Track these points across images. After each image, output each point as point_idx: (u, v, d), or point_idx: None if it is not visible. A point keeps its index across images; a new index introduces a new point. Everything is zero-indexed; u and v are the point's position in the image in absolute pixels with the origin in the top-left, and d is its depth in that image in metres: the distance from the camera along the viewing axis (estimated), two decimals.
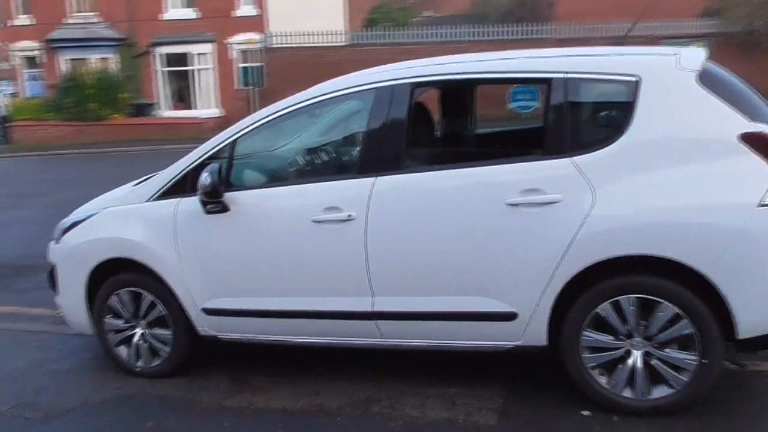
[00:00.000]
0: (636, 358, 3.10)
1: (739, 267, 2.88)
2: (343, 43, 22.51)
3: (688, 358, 3.02)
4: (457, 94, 4.34)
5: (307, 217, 3.43)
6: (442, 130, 4.40)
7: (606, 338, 3.13)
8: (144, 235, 3.79)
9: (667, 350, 3.06)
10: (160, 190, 3.83)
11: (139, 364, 4.04)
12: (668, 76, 3.06)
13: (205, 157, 3.74)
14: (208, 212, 3.59)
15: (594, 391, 3.19)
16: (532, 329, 3.20)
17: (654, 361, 3.08)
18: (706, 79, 3.04)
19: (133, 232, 3.82)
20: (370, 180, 3.35)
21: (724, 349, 3.02)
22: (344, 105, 3.73)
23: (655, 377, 3.10)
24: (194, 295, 3.74)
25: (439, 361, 3.83)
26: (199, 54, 22.35)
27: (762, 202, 2.84)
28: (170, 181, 3.81)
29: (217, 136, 3.82)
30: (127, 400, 3.76)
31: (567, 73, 3.14)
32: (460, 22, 26.46)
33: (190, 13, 22.18)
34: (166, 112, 22.52)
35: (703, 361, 2.99)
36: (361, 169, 3.42)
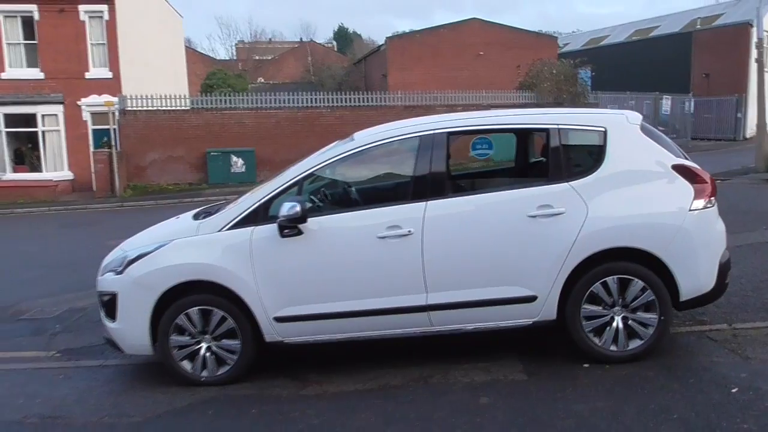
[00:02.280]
0: (617, 321, 4.46)
1: (680, 251, 4.37)
2: (193, 107, 22.95)
3: (652, 317, 4.43)
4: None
5: (373, 234, 4.41)
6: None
7: (598, 309, 4.45)
8: (221, 260, 4.49)
9: (638, 313, 4.45)
10: (233, 221, 4.57)
11: (204, 374, 4.63)
12: (623, 128, 4.57)
13: (273, 194, 4.57)
14: (284, 236, 4.42)
15: (591, 349, 4.47)
16: (547, 307, 4.44)
17: (630, 322, 4.45)
18: (644, 130, 4.60)
19: (210, 257, 4.50)
20: (423, 204, 4.44)
21: (672, 309, 4.49)
22: (395, 148, 4.79)
23: (630, 334, 4.46)
24: (267, 306, 4.49)
25: (458, 345, 4.91)
26: (45, 115, 21.43)
27: (690, 208, 4.39)
28: (242, 213, 4.57)
29: (281, 176, 4.68)
30: (213, 401, 4.35)
31: (559, 124, 4.55)
32: (295, 89, 27.96)
33: (35, 73, 21.33)
34: (9, 174, 21.13)
35: (662, 317, 4.42)
36: (414, 195, 4.49)
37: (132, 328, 4.63)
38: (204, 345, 4.62)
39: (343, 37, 68.92)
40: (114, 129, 20.62)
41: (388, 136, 4.66)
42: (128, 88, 21.81)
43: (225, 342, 4.60)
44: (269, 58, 59.85)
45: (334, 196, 5.09)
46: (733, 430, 3.40)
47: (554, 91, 25.55)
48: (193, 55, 46.45)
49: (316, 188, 5.16)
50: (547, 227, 4.38)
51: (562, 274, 4.38)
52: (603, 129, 4.55)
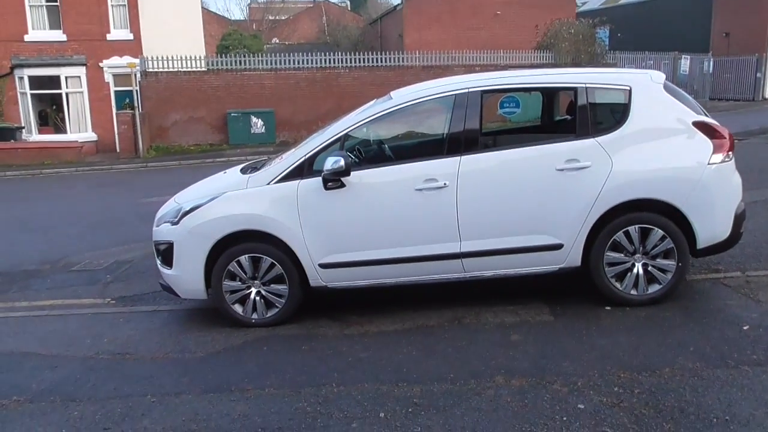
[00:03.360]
0: (638, 267, 4.80)
1: (698, 203, 4.68)
2: (212, 68, 23.16)
3: (670, 263, 4.77)
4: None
5: (411, 186, 4.75)
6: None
7: (620, 256, 4.79)
8: (270, 211, 4.86)
9: (657, 260, 4.78)
10: (280, 174, 4.93)
11: (254, 316, 5.05)
12: (647, 87, 4.84)
13: (317, 149, 4.92)
14: (328, 189, 4.77)
15: (612, 293, 4.83)
16: (572, 255, 4.79)
17: (650, 268, 4.79)
18: (667, 88, 4.87)
19: (260, 208, 4.88)
20: (457, 158, 4.76)
21: (689, 256, 4.82)
22: (431, 107, 5.09)
23: (649, 279, 4.81)
24: (312, 254, 4.87)
25: (488, 290, 5.29)
26: (69, 77, 21.78)
27: (709, 162, 4.69)
28: (289, 167, 4.93)
29: (324, 133, 5.03)
30: (265, 339, 4.78)
31: (586, 83, 4.83)
32: (310, 50, 27.98)
33: (58, 35, 21.60)
34: (35, 136, 21.60)
35: (679, 264, 4.76)
36: (449, 150, 4.81)
37: (188, 274, 5.04)
38: (254, 290, 5.03)
39: None
40: (136, 90, 20.93)
41: (425, 95, 4.96)
42: (148, 50, 22.04)
43: (273, 287, 5.00)
44: (284, 18, 59.45)
45: (374, 151, 5.43)
46: (744, 361, 3.76)
47: (572, 51, 25.47)
48: (207, 15, 46.22)
49: (356, 144, 5.49)
50: (573, 180, 4.69)
51: (587, 224, 4.71)
52: (628, 88, 4.82)
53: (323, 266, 4.90)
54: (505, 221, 4.77)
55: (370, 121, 4.97)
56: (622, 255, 4.79)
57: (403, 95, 5.03)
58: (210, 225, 4.94)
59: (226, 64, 23.09)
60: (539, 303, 5.06)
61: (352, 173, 4.76)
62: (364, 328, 4.87)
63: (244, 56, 24.76)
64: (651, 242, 4.74)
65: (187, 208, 5.07)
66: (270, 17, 59.28)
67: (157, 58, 21.58)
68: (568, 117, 5.90)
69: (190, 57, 22.44)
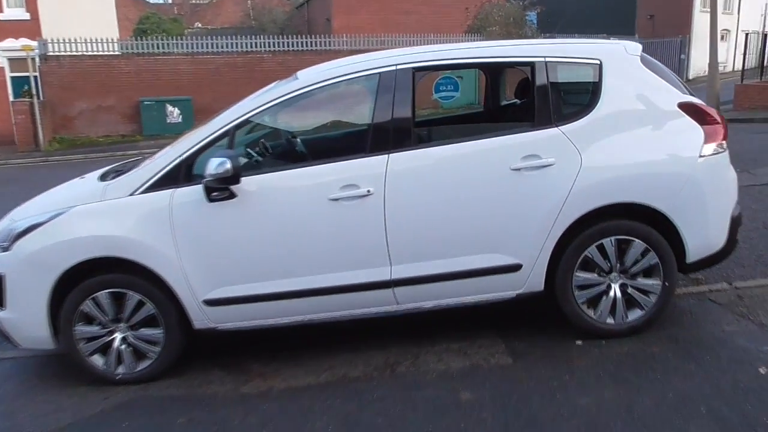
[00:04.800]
0: (615, 289, 3.79)
1: (688, 205, 3.70)
2: (124, 52, 21.27)
3: (654, 283, 3.78)
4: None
5: (324, 195, 3.57)
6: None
7: (592, 276, 3.77)
8: (135, 231, 3.59)
9: (638, 279, 3.79)
10: (147, 181, 3.65)
11: (120, 370, 3.79)
12: (621, 60, 3.80)
13: (198, 147, 3.67)
14: (213, 200, 3.54)
15: (584, 323, 3.80)
16: (533, 277, 3.73)
17: (629, 290, 3.78)
18: (645, 62, 3.85)
19: (121, 227, 3.59)
20: (384, 157, 3.61)
21: (677, 273, 3.84)
22: (348, 89, 3.90)
23: (629, 304, 3.81)
24: (195, 287, 3.64)
25: (426, 322, 4.18)
26: None
27: (700, 154, 3.70)
28: (160, 172, 3.65)
29: (209, 125, 3.77)
30: (130, 406, 3.53)
31: (546, 57, 3.75)
32: (234, 34, 26.47)
33: None
34: None
35: (665, 283, 3.77)
36: (373, 147, 3.65)
37: (26, 317, 3.72)
38: (118, 335, 3.76)
39: None
40: (35, 76, 18.84)
41: (340, 74, 3.76)
42: (49, 32, 19.93)
43: (144, 331, 3.74)
44: (206, 2, 56.81)
45: (274, 149, 4.20)
46: None
47: (503, 34, 24.73)
48: None
49: (253, 140, 4.27)
50: (533, 182, 3.63)
51: (551, 238, 3.66)
52: (597, 61, 3.77)
53: (210, 303, 3.67)
54: (447, 238, 3.66)
55: (269, 108, 3.73)
56: (595, 275, 3.77)
57: (311, 75, 3.82)
58: (53, 251, 3.63)
59: (140, 48, 21.19)
60: (492, 336, 3.99)
61: (243, 179, 3.54)
62: (267, 383, 3.68)
63: (157, 39, 22.88)
64: (630, 257, 3.74)
65: (22, 228, 3.72)
66: (193, 1, 56.53)
67: (59, 40, 19.50)
68: (519, 101, 4.85)
69: (96, 39, 20.42)
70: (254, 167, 3.92)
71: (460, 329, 4.11)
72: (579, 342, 3.80)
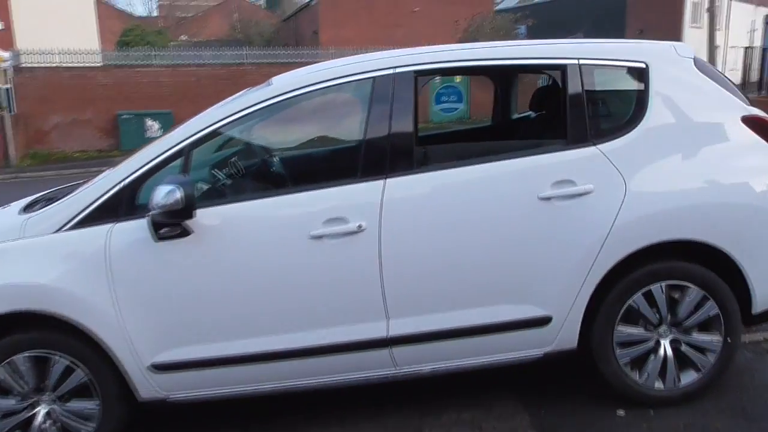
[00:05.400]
0: (665, 347, 3.05)
1: (757, 244, 2.98)
2: (104, 64, 20.52)
3: (714, 339, 3.05)
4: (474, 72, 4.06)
5: (304, 232, 2.81)
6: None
7: (638, 331, 3.03)
8: (61, 278, 2.80)
9: (694, 334, 3.05)
10: (79, 214, 2.87)
11: None
12: (671, 63, 3.08)
13: (148, 167, 2.90)
14: (161, 238, 2.77)
15: (627, 388, 3.06)
16: (565, 333, 2.99)
17: (683, 348, 3.05)
18: (700, 66, 3.14)
19: (42, 274, 2.80)
20: (379, 183, 2.86)
21: (741, 326, 3.11)
22: (334, 98, 3.15)
23: (682, 364, 3.08)
24: (139, 348, 2.85)
25: (431, 385, 3.41)
26: None
27: None
28: (95, 202, 2.87)
29: (159, 143, 3.00)
30: None
31: (581, 58, 3.02)
32: (220, 47, 25.91)
33: None
34: None
35: (727, 339, 3.04)
36: (365, 170, 2.89)
37: None
38: (42, 410, 2.95)
39: None
40: (7, 89, 17.99)
41: (323, 79, 2.99)
42: (24, 42, 19.11)
43: (75, 404, 2.94)
44: (192, 15, 56.25)
45: (244, 171, 3.42)
46: None
47: None
48: (108, 10, 43.06)
49: (222, 159, 3.51)
50: (567, 214, 2.89)
51: (589, 283, 2.92)
52: (643, 65, 3.05)
53: (159, 368, 2.89)
54: (458, 285, 2.91)
55: (231, 123, 2.95)
56: (642, 329, 3.03)
57: (288, 81, 3.05)
58: None
59: (119, 59, 20.43)
60: (513, 402, 3.23)
61: (202, 211, 2.78)
62: None
63: (137, 51, 22.15)
64: (685, 308, 3.01)
65: None
66: (180, 14, 55.83)
67: (33, 51, 18.69)
68: (535, 114, 4.13)
69: (73, 51, 19.62)
70: (218, 194, 3.16)
71: (473, 391, 3.35)
72: (621, 412, 3.06)
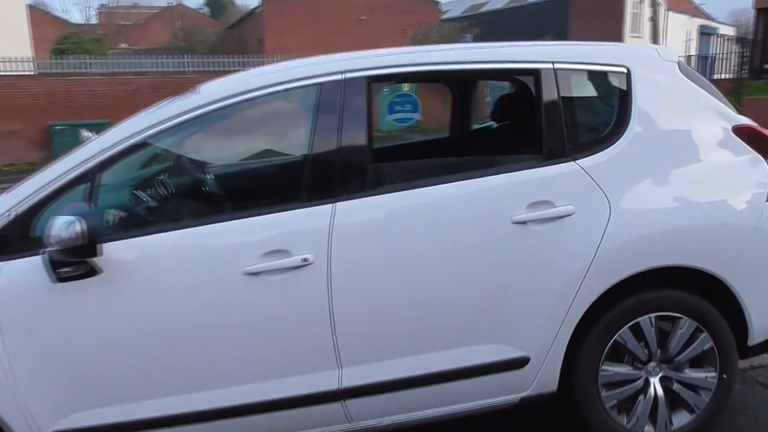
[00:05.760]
0: (655, 386, 2.70)
1: (754, 268, 2.66)
2: (37, 71, 19.48)
3: (708, 375, 2.71)
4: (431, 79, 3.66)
5: (236, 268, 2.35)
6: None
7: (626, 369, 2.67)
8: None
9: (686, 371, 2.71)
10: None
11: None
12: (655, 67, 2.74)
13: (45, 194, 2.38)
14: (62, 279, 2.26)
15: None
16: (544, 374, 2.60)
17: (675, 386, 2.71)
18: (684, 71, 2.81)
19: None
20: (327, 207, 2.42)
21: (737, 360, 2.78)
22: (273, 108, 2.69)
23: (673, 404, 2.73)
24: (36, 414, 2.33)
25: None
26: None
27: None
28: None
29: (62, 161, 2.48)
30: None
31: (555, 62, 2.65)
32: (161, 54, 25.04)
33: None
34: None
35: (723, 375, 2.71)
36: (311, 193, 2.45)
37: None
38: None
39: (216, 2, 64.22)
40: None
41: (259, 86, 2.52)
42: None
43: None
44: (132, 22, 54.65)
45: (168, 193, 2.91)
46: None
47: None
48: (43, 17, 41.42)
49: (147, 177, 3.01)
50: (545, 240, 2.51)
51: (570, 318, 2.55)
52: (624, 69, 2.70)
53: None
54: (422, 325, 2.49)
55: (148, 137, 2.46)
56: (629, 367, 2.68)
57: (219, 89, 2.57)
58: None
59: (51, 68, 19.39)
60: None
61: (110, 245, 2.29)
62: None
63: (73, 59, 21.14)
64: (676, 342, 2.67)
65: None
66: (120, 22, 54.12)
67: None
68: (497, 124, 3.77)
69: (2, 59, 18.53)
70: (137, 222, 2.66)
71: None
72: None
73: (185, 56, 21.62)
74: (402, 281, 2.44)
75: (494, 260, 2.50)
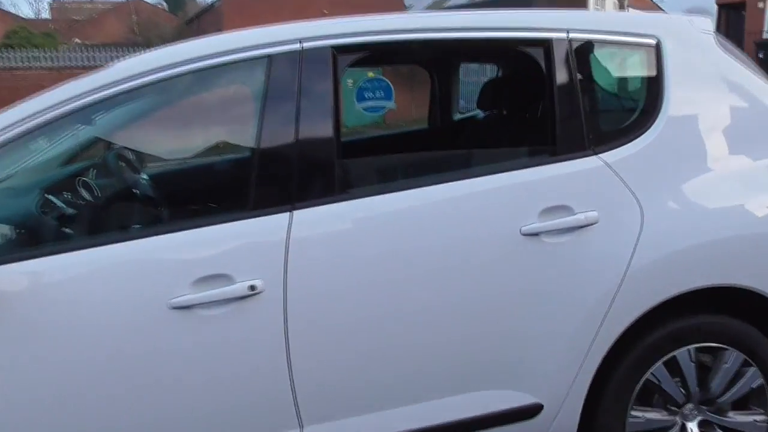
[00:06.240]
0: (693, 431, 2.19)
1: None
2: None
3: (758, 419, 2.21)
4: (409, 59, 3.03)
5: (159, 300, 1.74)
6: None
7: (658, 415, 2.15)
8: None
9: (730, 414, 2.20)
10: None
11: None
12: (689, 40, 2.22)
13: None
14: None
15: None
16: (561, 424, 2.06)
17: None
18: (722, 44, 2.30)
19: None
20: (282, 218, 1.83)
21: None
22: (208, 88, 2.07)
23: None
24: None
25: None
26: None
27: None
28: None
29: None
30: None
31: (571, 30, 2.10)
32: (116, 49, 24.08)
33: None
34: None
35: None
36: (261, 200, 1.85)
37: None
38: None
39: None
40: None
41: (187, 59, 1.89)
42: None
43: None
44: (85, 18, 52.87)
45: (55, 208, 2.23)
46: None
47: None
48: None
49: (67, 176, 2.38)
50: (561, 257, 1.96)
51: (592, 356, 2.01)
52: (653, 41, 2.16)
53: None
54: (407, 368, 1.92)
55: (39, 126, 1.83)
56: (663, 412, 2.15)
57: (135, 63, 1.94)
58: None
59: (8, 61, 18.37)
60: None
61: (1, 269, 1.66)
62: None
63: (18, 53, 20.05)
64: (719, 378, 2.15)
65: None
66: (75, 17, 52.26)
67: None
68: (485, 113, 3.22)
69: None
70: (39, 238, 2.02)
71: None
72: None
73: (141, 50, 20.65)
74: (381, 314, 1.87)
75: (499, 285, 1.94)
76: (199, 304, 1.75)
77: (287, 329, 1.79)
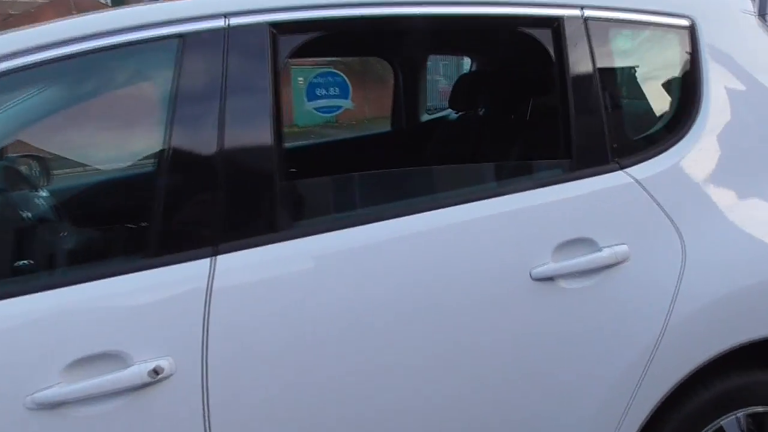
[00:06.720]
0: None
1: None
2: None
3: None
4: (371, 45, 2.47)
5: (17, 396, 1.17)
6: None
7: None
8: None
9: None
10: None
11: None
12: (728, 21, 1.75)
13: None
14: None
15: None
16: None
17: None
18: (765, 29, 1.85)
19: None
20: (199, 265, 1.27)
21: None
22: (97, 79, 1.48)
23: None
24: None
25: None
26: None
27: None
28: None
29: None
30: None
31: (585, 6, 1.60)
32: None
33: None
34: None
35: None
36: (168, 240, 1.29)
37: None
38: None
39: None
40: None
41: (68, 38, 1.31)
42: None
43: None
44: (19, 12, 50.59)
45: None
46: None
47: None
48: None
49: None
50: (583, 306, 1.47)
51: (625, 429, 1.52)
52: (687, 22, 1.69)
53: None
54: None
55: None
56: None
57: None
58: None
59: None
60: None
61: None
62: None
63: None
64: None
65: None
66: (11, 11, 49.98)
67: None
68: (458, 113, 2.72)
69: None
70: None
71: None
72: None
73: None
74: (344, 391, 1.34)
75: (499, 348, 1.44)
76: (72, 399, 1.18)
77: (208, 419, 1.25)
